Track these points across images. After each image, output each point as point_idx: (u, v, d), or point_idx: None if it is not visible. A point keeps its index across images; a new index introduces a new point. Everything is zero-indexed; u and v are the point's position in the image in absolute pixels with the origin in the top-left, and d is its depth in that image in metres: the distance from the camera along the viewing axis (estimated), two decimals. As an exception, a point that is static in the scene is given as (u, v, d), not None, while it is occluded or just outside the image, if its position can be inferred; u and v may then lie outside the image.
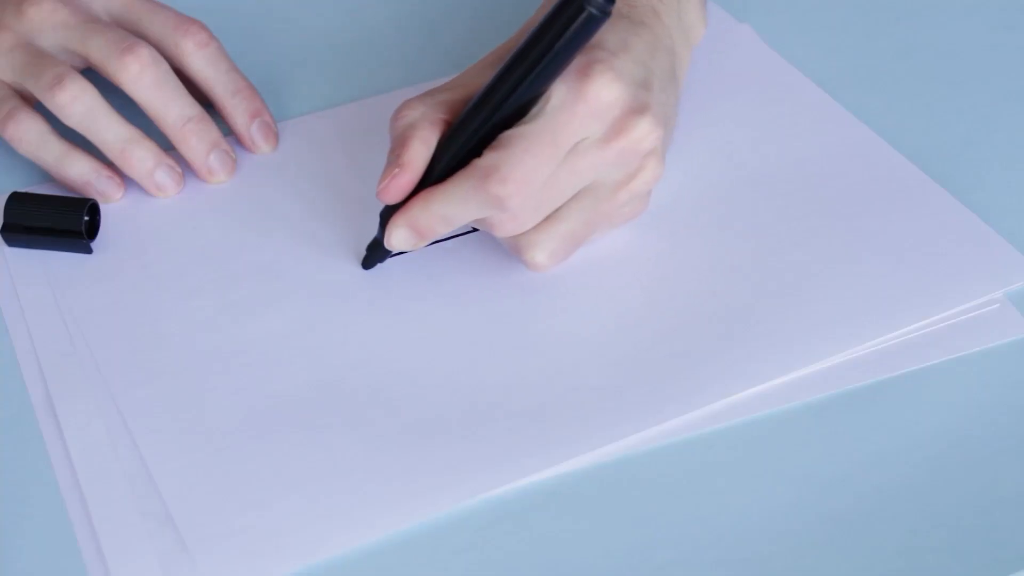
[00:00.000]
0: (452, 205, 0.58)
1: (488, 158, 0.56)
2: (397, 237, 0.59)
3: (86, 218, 0.64)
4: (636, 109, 0.57)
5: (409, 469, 0.55)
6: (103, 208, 0.66)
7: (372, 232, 0.65)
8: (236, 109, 0.69)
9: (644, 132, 0.58)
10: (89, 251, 0.64)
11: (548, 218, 0.59)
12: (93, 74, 0.68)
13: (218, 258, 0.64)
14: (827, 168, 0.68)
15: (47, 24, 0.67)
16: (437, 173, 0.58)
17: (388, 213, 0.60)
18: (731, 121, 0.70)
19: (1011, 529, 0.53)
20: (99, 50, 0.66)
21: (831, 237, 0.64)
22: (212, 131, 0.67)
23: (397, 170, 0.58)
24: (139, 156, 0.66)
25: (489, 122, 0.57)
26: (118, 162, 0.66)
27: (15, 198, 0.64)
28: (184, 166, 0.68)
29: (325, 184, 0.68)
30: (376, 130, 0.71)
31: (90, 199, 0.65)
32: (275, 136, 0.70)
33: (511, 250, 0.61)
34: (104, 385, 0.58)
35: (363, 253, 0.64)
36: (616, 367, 0.58)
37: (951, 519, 0.53)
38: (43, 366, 0.59)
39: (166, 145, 0.68)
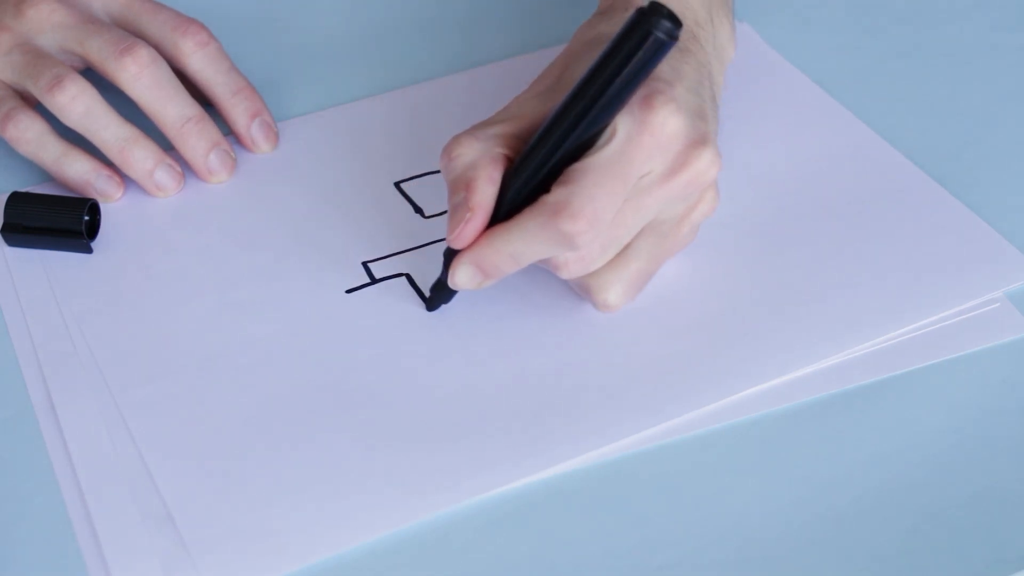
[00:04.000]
0: (521, 243, 0.55)
1: (557, 194, 0.54)
2: (462, 276, 0.57)
3: (86, 218, 0.64)
4: (698, 141, 0.55)
5: (409, 469, 0.55)
6: (103, 208, 0.66)
7: (373, 231, 0.65)
8: (236, 109, 0.69)
9: (707, 164, 0.56)
10: (89, 251, 0.64)
11: (616, 257, 0.57)
12: (93, 74, 0.68)
13: (218, 258, 0.64)
14: (827, 168, 0.68)
15: (46, 24, 0.67)
16: (504, 210, 0.56)
17: (452, 251, 0.58)
18: (731, 120, 0.70)
19: (1011, 529, 0.53)
20: (98, 50, 0.66)
21: (831, 237, 0.64)
22: (212, 130, 0.67)
23: (469, 214, 0.55)
24: (139, 156, 0.66)
25: (555, 156, 0.55)
26: (118, 162, 0.66)
27: (15, 198, 0.64)
28: (184, 166, 0.68)
29: (325, 184, 0.68)
30: (376, 130, 0.71)
31: (90, 199, 0.65)
32: (275, 136, 0.70)
33: (580, 291, 0.59)
34: (104, 385, 0.58)
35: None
36: (616, 367, 0.58)
37: (951, 519, 0.53)
38: (43, 366, 0.59)
39: (166, 145, 0.68)
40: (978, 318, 0.60)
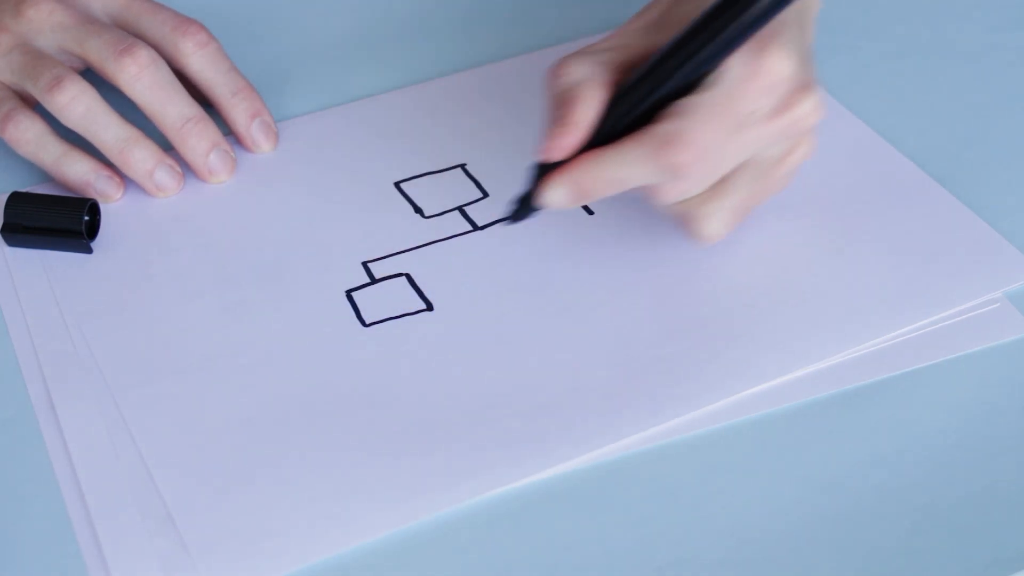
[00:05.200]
0: (624, 168, 0.57)
1: (667, 125, 0.56)
2: (556, 195, 0.58)
3: (86, 218, 0.64)
4: (804, 85, 0.58)
5: (409, 469, 0.55)
6: (103, 208, 0.66)
7: (373, 231, 0.65)
8: (236, 109, 0.69)
9: (809, 109, 0.58)
10: (89, 251, 0.64)
11: (717, 189, 0.59)
12: (93, 75, 0.68)
13: (218, 258, 0.64)
14: (827, 167, 0.67)
15: (45, 25, 0.67)
16: (603, 135, 0.57)
17: (544, 169, 0.58)
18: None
19: (1011, 529, 0.53)
20: (97, 51, 0.66)
21: (831, 236, 0.64)
22: (212, 131, 0.67)
23: (565, 129, 0.57)
24: (139, 156, 0.66)
25: (662, 90, 0.56)
26: (117, 162, 0.66)
27: (15, 198, 0.64)
28: (184, 166, 0.68)
29: (325, 184, 0.68)
30: (376, 130, 0.71)
31: (90, 199, 0.65)
32: (275, 136, 0.70)
33: (678, 220, 0.60)
34: (104, 385, 0.58)
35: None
36: (616, 367, 0.58)
37: (951, 519, 0.53)
38: (43, 366, 0.59)
39: (166, 145, 0.68)
40: (978, 318, 0.60)
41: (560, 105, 0.57)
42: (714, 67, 0.56)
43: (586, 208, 0.66)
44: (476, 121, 0.71)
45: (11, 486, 0.55)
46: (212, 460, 0.55)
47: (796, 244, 0.64)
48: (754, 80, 0.56)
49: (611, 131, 0.57)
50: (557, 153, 0.57)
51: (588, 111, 0.57)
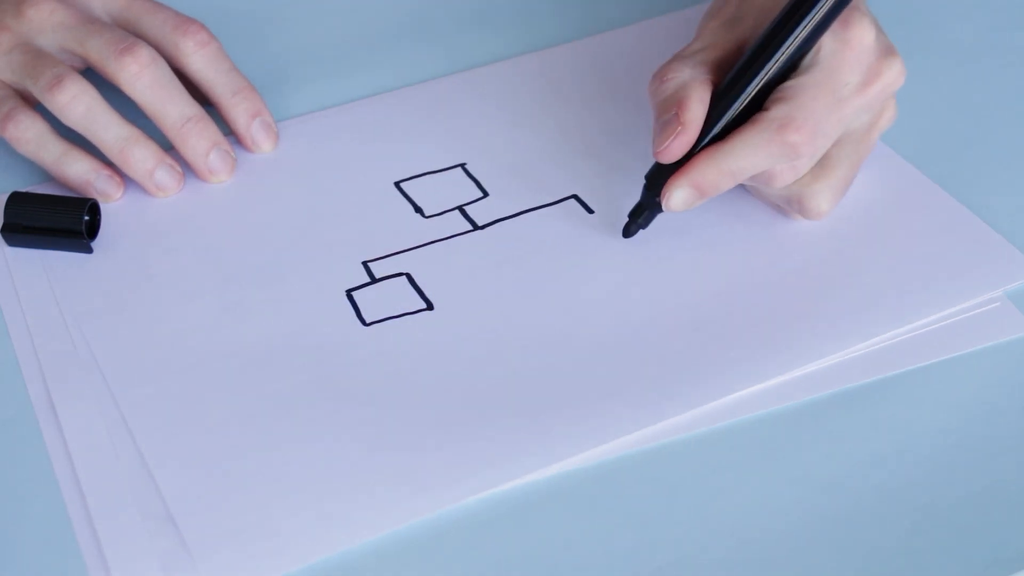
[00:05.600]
0: (743, 159, 0.59)
1: (780, 109, 0.59)
2: (679, 197, 0.60)
3: (86, 218, 0.64)
4: (886, 51, 0.61)
5: (409, 469, 0.55)
6: (103, 208, 0.66)
7: (373, 231, 0.65)
8: (236, 109, 0.69)
9: (896, 73, 0.61)
10: (89, 251, 0.64)
11: (822, 166, 0.61)
12: (93, 74, 0.68)
13: (218, 258, 0.64)
14: (827, 168, 0.68)
15: (46, 25, 0.67)
16: (714, 131, 0.60)
17: (659, 176, 0.61)
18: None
19: (1011, 529, 0.53)
20: (98, 50, 0.66)
21: (831, 237, 0.64)
22: (212, 130, 0.67)
23: (680, 128, 0.59)
24: (139, 156, 0.66)
25: (765, 77, 0.59)
26: (118, 162, 0.66)
27: (15, 198, 0.64)
28: (184, 166, 0.68)
29: (325, 184, 0.68)
30: (376, 130, 0.71)
31: (90, 199, 0.65)
32: (275, 136, 0.70)
33: (787, 202, 0.63)
34: (104, 385, 0.58)
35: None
36: (616, 366, 0.58)
37: (951, 519, 0.53)
38: (43, 366, 0.59)
39: (166, 145, 0.68)
40: (978, 318, 0.60)
41: (669, 107, 0.60)
42: (811, 47, 0.59)
43: (585, 207, 0.66)
44: (476, 121, 0.71)
45: (11, 486, 0.55)
46: (212, 460, 0.55)
47: (796, 245, 0.64)
48: (846, 53, 0.59)
49: (723, 125, 0.60)
50: (674, 153, 0.60)
51: (698, 109, 0.60)
